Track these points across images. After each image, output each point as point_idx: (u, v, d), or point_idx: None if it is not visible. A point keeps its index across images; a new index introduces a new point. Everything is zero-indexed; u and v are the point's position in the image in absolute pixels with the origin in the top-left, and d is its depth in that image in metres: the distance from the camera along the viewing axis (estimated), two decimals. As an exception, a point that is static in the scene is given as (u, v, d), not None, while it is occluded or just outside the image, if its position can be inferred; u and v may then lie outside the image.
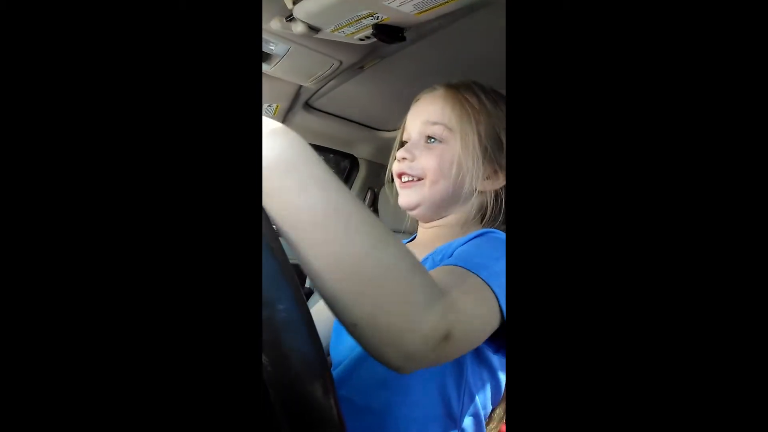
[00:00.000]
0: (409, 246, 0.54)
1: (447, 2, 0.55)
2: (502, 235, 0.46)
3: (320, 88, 0.89)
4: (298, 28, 0.62)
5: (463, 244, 0.45)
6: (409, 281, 0.29)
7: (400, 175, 0.54)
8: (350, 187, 1.34)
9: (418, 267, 0.29)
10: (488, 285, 0.35)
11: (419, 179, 0.53)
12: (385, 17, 0.58)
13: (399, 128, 0.60)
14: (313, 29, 0.62)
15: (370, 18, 0.58)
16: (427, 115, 0.54)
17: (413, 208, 0.54)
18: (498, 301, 0.35)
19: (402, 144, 0.57)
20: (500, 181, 0.54)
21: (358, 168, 1.31)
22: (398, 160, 0.54)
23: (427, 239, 0.56)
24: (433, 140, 0.53)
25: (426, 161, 0.52)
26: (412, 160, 0.53)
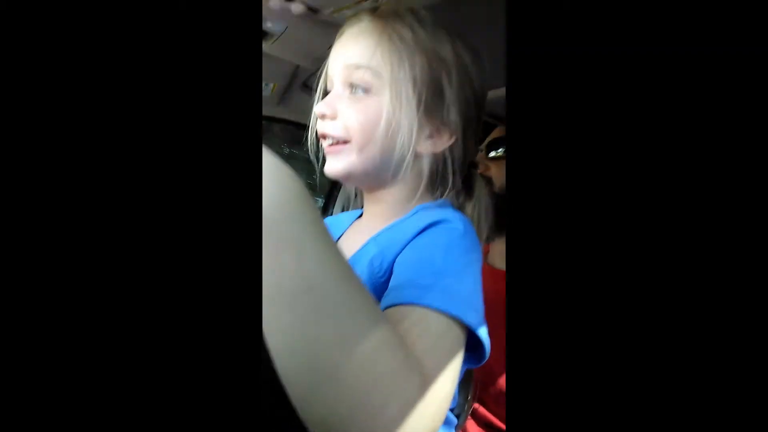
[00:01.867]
0: (356, 227, 0.50)
1: (446, -11, 0.55)
2: (452, 222, 0.39)
3: (318, 69, 0.88)
4: (298, 8, 0.61)
5: (413, 236, 0.38)
6: (385, 391, 0.23)
7: (323, 137, 0.44)
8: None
9: (402, 369, 0.24)
10: (451, 316, 0.31)
11: (345, 142, 0.42)
12: (384, 1, 0.58)
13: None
14: (312, 10, 0.62)
15: (370, 2, 0.58)
16: (349, 57, 0.42)
17: (344, 178, 0.44)
18: (462, 321, 0.32)
19: (325, 95, 0.45)
20: (444, 141, 0.43)
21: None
22: (319, 117, 0.43)
23: (371, 217, 0.48)
24: (358, 90, 0.42)
25: (349, 119, 0.41)
26: (334, 117, 0.42)
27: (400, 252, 0.38)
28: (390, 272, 0.37)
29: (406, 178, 0.44)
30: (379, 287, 0.38)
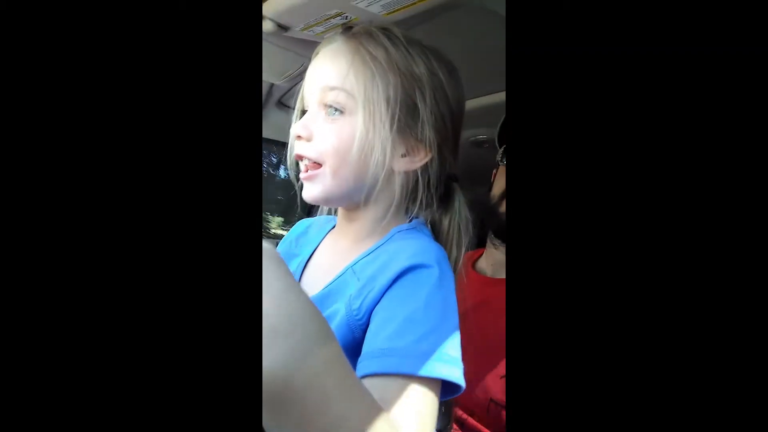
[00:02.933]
0: (331, 242, 0.49)
1: (414, 3, 0.56)
2: (427, 267, 0.38)
3: (294, 86, 0.89)
4: (267, 26, 0.62)
5: (390, 282, 0.37)
6: None
7: (299, 158, 0.43)
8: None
9: None
10: (428, 380, 0.33)
11: (318, 165, 0.42)
12: (353, 17, 0.59)
13: None
14: (282, 27, 0.63)
15: (339, 18, 0.59)
16: (323, 78, 0.42)
17: (322, 203, 0.44)
18: (444, 380, 0.33)
19: (303, 114, 0.45)
20: (420, 158, 0.43)
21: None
22: (295, 138, 0.43)
23: (345, 236, 0.47)
24: (333, 111, 0.41)
25: (323, 141, 0.41)
26: (309, 139, 0.42)
27: (379, 299, 0.38)
28: (368, 316, 0.38)
29: (381, 197, 0.44)
30: (356, 329, 0.38)
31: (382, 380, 0.32)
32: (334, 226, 0.52)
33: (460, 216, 0.47)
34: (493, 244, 0.80)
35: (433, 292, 0.37)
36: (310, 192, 0.43)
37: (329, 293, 0.42)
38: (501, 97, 0.82)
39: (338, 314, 0.39)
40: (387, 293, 0.37)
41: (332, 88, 0.41)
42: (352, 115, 0.41)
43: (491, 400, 0.70)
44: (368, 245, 0.44)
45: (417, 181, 0.44)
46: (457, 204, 0.48)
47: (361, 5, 0.56)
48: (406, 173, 0.44)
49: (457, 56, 0.49)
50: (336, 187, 0.42)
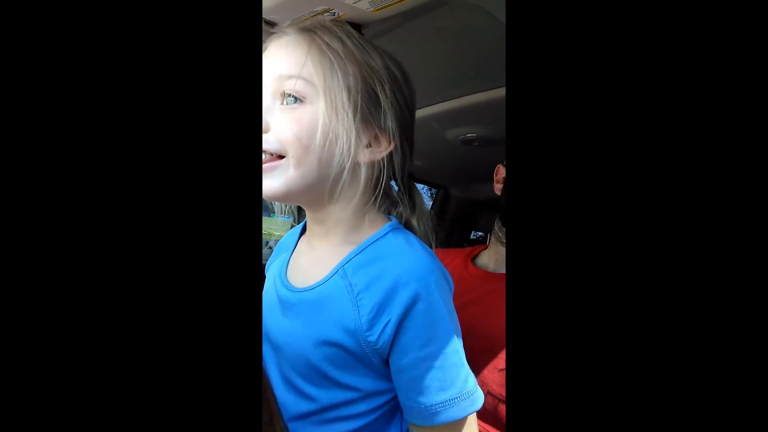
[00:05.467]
0: (306, 247, 0.48)
1: (403, 0, 0.55)
2: (432, 292, 0.39)
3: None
4: (254, 22, 0.61)
5: (401, 313, 0.38)
6: None
7: None
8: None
9: None
10: (465, 415, 0.40)
11: (279, 156, 0.40)
12: (341, 13, 0.58)
13: None
14: (269, 24, 0.62)
15: (327, 14, 0.58)
16: (278, 67, 0.41)
17: (282, 197, 0.42)
18: (474, 406, 0.41)
19: None
20: (383, 148, 0.43)
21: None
22: None
23: (319, 238, 0.46)
24: (291, 100, 0.40)
25: (282, 131, 0.40)
26: (267, 131, 0.40)
27: (395, 331, 0.39)
28: (385, 346, 0.39)
29: (347, 192, 0.43)
30: (366, 346, 0.39)
31: (436, 430, 0.40)
32: (302, 232, 0.51)
33: (425, 214, 0.48)
34: (501, 241, 0.81)
35: (444, 321, 0.39)
36: (270, 186, 0.41)
37: (322, 294, 0.42)
38: (493, 94, 0.82)
39: (339, 321, 0.40)
40: (404, 333, 0.39)
41: (289, 77, 0.40)
42: (312, 104, 0.40)
43: (489, 393, 0.70)
44: (351, 243, 0.43)
45: (380, 172, 0.44)
46: (420, 202, 0.48)
47: (349, 1, 0.55)
48: (371, 164, 0.43)
49: (446, 53, 0.48)
50: (299, 179, 0.40)
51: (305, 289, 0.44)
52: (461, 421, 0.40)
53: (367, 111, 0.42)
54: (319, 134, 0.39)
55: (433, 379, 0.39)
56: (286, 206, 0.50)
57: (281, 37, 0.43)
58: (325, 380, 0.41)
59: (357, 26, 0.62)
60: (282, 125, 0.40)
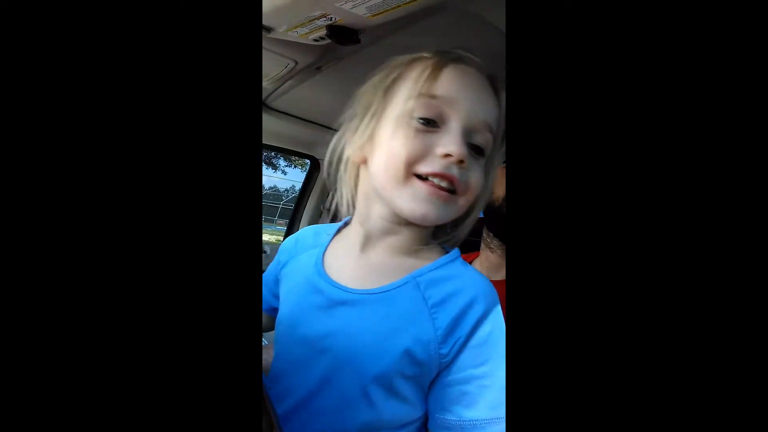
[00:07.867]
0: (349, 254, 0.47)
1: (400, 6, 0.55)
2: (496, 305, 0.41)
3: (277, 89, 0.87)
4: (250, 27, 0.60)
5: (473, 326, 0.40)
6: None
7: (436, 176, 0.39)
8: (311, 189, 1.33)
9: None
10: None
11: (454, 192, 0.41)
12: (338, 19, 0.58)
13: None
14: (266, 29, 0.61)
15: (323, 19, 0.58)
16: (483, 113, 0.41)
17: (432, 223, 0.43)
18: None
19: (427, 122, 0.40)
20: None
21: (319, 170, 1.30)
22: (441, 156, 0.39)
23: (386, 250, 0.46)
24: (478, 153, 0.42)
25: (473, 178, 0.41)
26: (463, 166, 0.40)
27: (462, 347, 0.40)
28: (449, 352, 0.40)
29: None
30: (435, 359, 0.40)
31: None
32: (338, 231, 0.52)
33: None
34: (490, 248, 0.80)
35: (503, 349, 0.41)
36: (435, 212, 0.41)
37: (390, 300, 0.43)
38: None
39: (413, 332, 0.41)
40: (467, 350, 0.40)
41: (486, 128, 0.42)
42: (487, 158, 0.43)
43: None
44: (423, 258, 0.45)
45: None
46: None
47: (346, 7, 0.55)
48: None
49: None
50: (455, 215, 0.43)
51: (369, 292, 0.43)
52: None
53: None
54: (487, 188, 0.44)
55: (483, 396, 0.40)
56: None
57: (467, 68, 0.43)
58: (390, 390, 0.41)
59: (354, 32, 0.62)
60: (474, 172, 0.41)
